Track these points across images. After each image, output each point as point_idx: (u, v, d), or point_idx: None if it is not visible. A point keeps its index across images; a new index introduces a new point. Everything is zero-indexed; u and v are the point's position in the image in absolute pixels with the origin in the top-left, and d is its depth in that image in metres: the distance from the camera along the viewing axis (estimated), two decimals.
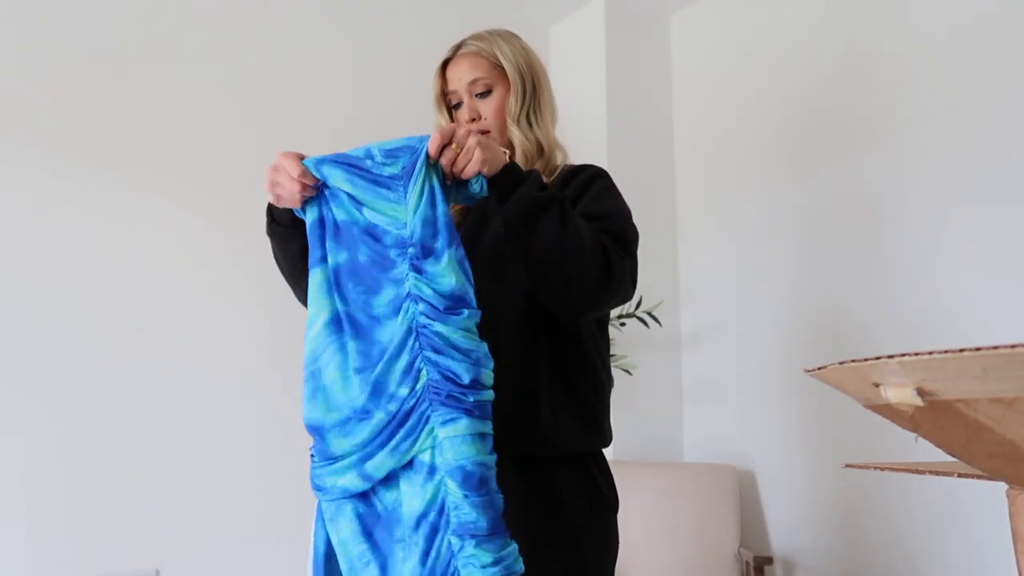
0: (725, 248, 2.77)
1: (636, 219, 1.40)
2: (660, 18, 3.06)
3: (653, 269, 2.78)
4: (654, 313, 2.53)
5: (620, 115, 2.90)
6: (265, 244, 2.29)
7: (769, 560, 2.27)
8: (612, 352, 2.63)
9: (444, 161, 1.10)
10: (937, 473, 0.86)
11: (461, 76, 1.35)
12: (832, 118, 2.44)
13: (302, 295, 1.26)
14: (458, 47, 1.38)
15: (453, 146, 1.10)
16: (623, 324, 2.59)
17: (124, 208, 2.24)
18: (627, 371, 2.55)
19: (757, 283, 2.65)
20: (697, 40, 2.97)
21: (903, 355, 0.56)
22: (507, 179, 1.13)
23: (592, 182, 1.32)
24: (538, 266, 1.15)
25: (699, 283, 2.87)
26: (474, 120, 1.34)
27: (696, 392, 2.85)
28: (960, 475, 0.83)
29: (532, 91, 1.35)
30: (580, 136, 2.79)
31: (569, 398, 1.23)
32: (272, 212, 1.23)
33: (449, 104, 1.38)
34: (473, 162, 1.09)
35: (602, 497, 1.25)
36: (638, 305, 2.51)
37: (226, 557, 2.28)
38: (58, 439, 2.09)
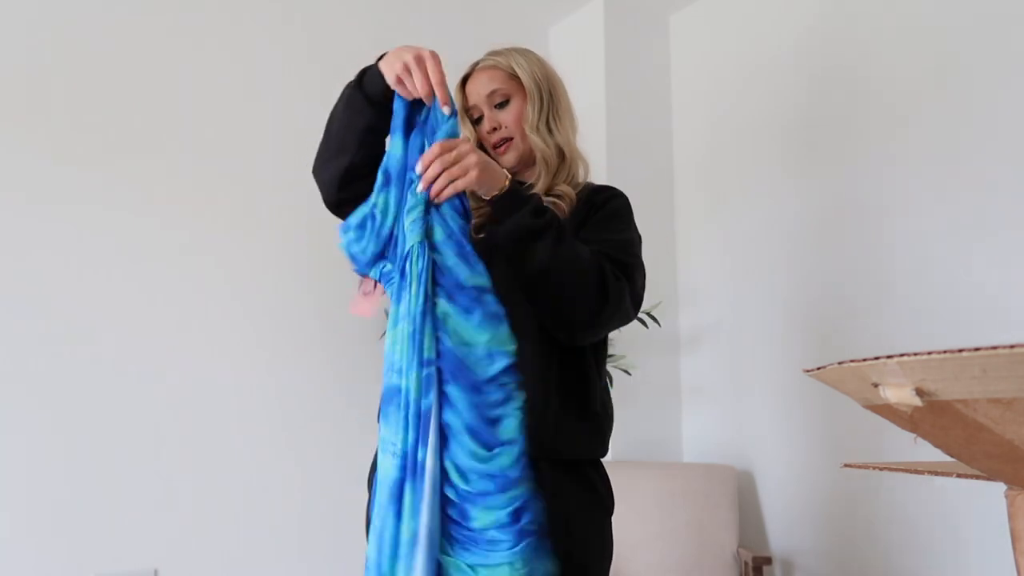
0: (724, 248, 2.77)
1: (635, 219, 1.41)
2: (659, 18, 3.06)
3: (652, 270, 2.75)
4: (653, 313, 2.53)
5: (619, 116, 2.90)
6: (268, 245, 2.29)
7: (768, 560, 2.27)
8: (611, 352, 2.63)
9: (432, 172, 1.12)
10: (936, 473, 0.86)
11: (480, 89, 1.39)
12: (831, 119, 2.44)
13: (331, 171, 1.26)
14: (476, 64, 1.42)
15: (453, 154, 1.12)
16: None
17: (127, 207, 2.24)
18: (626, 371, 2.55)
19: (756, 283, 2.65)
20: (696, 40, 2.97)
21: (902, 355, 0.56)
22: (504, 202, 1.16)
23: (607, 203, 1.36)
24: (530, 289, 1.19)
25: (698, 283, 2.87)
26: (495, 130, 1.37)
27: (695, 392, 2.85)
28: (959, 475, 0.83)
29: (549, 99, 1.39)
30: (579, 137, 2.80)
31: (579, 410, 1.27)
32: (365, 82, 1.22)
33: (472, 119, 1.41)
34: (464, 180, 1.12)
35: (599, 500, 1.29)
36: None
37: (225, 557, 2.27)
38: (55, 438, 2.09)
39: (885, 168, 2.27)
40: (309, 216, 2.51)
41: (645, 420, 2.81)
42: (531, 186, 1.33)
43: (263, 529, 2.34)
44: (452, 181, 1.12)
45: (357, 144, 1.21)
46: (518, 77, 1.38)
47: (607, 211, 1.35)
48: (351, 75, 2.91)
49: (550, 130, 1.37)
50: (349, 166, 1.22)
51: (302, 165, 2.55)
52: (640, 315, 2.52)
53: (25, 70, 2.14)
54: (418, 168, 1.13)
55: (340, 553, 2.45)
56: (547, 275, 1.16)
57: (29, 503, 2.04)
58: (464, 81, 1.42)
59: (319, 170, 1.29)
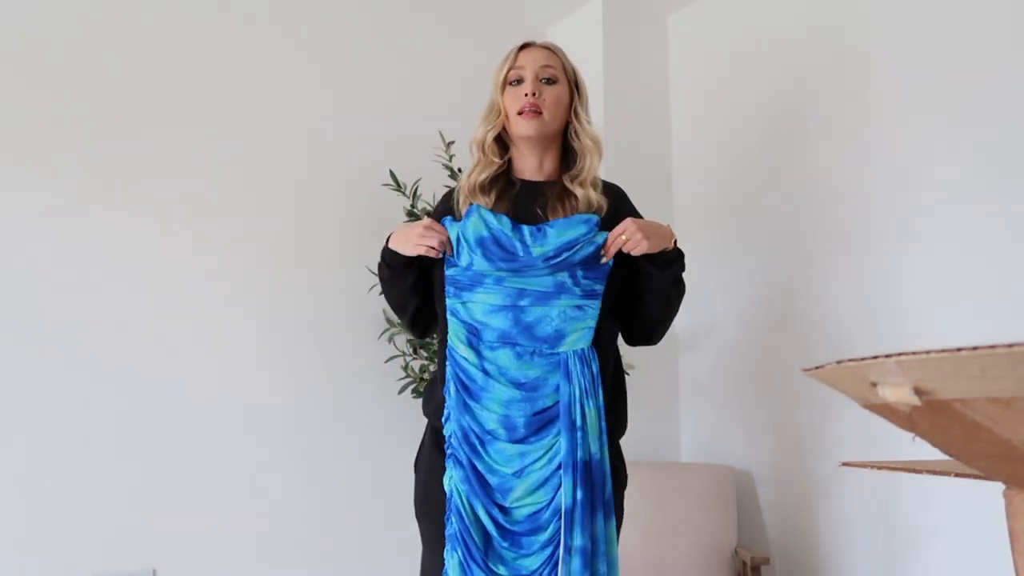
0: (722, 248, 2.77)
1: None
2: (658, 18, 3.06)
3: None
4: None
5: (618, 115, 2.90)
6: (263, 242, 2.30)
7: (766, 560, 2.27)
8: None
9: (613, 251, 1.50)
10: (934, 473, 0.86)
11: (537, 59, 1.55)
12: (828, 118, 2.44)
13: (408, 320, 1.64)
14: (532, 41, 1.61)
15: (623, 237, 1.48)
16: None
17: (126, 209, 2.23)
18: (624, 371, 2.54)
19: (754, 283, 2.65)
20: (694, 40, 2.97)
21: (900, 354, 0.56)
22: (673, 253, 1.55)
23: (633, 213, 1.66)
24: (666, 315, 1.63)
25: (695, 283, 2.86)
26: (535, 95, 1.52)
27: (693, 392, 2.85)
28: (957, 475, 0.83)
29: (587, 100, 1.63)
30: None
31: (616, 402, 1.58)
32: (389, 261, 1.57)
33: (511, 80, 1.56)
34: (639, 248, 1.48)
35: (616, 476, 1.51)
36: None
37: (223, 557, 2.27)
38: (54, 438, 2.08)
39: (881, 167, 2.27)
40: (309, 218, 2.51)
41: (643, 420, 2.80)
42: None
43: (261, 530, 2.34)
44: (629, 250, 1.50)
45: (412, 296, 1.59)
46: (567, 71, 1.58)
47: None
48: (352, 74, 2.91)
49: (589, 122, 1.60)
50: (416, 310, 1.62)
51: (303, 169, 2.57)
52: None
53: (23, 68, 2.14)
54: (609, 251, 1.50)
55: (339, 553, 2.45)
56: (676, 305, 1.63)
57: (28, 504, 2.04)
58: (521, 48, 1.58)
59: (404, 324, 1.70)
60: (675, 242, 1.55)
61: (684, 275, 1.62)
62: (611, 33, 2.92)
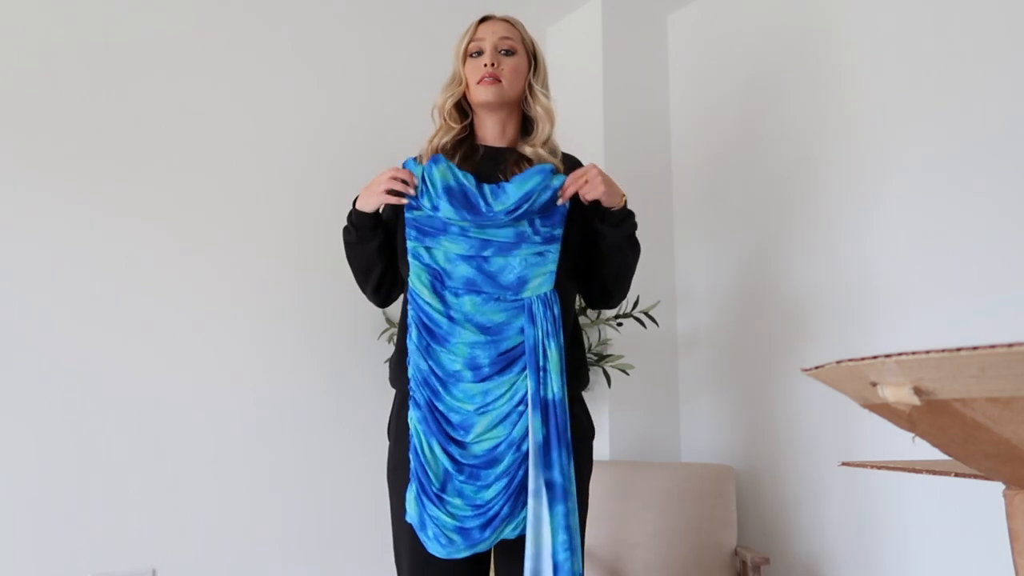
0: (722, 247, 2.77)
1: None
2: (657, 18, 3.06)
3: (650, 269, 2.78)
4: (651, 313, 2.53)
5: (617, 115, 2.90)
6: (262, 243, 2.30)
7: (766, 560, 2.27)
8: (609, 352, 2.63)
9: (571, 191, 1.54)
10: (934, 472, 0.86)
11: (496, 31, 1.62)
12: (828, 118, 2.44)
13: (372, 285, 1.66)
14: (491, 14, 1.66)
15: (584, 180, 1.53)
16: (620, 324, 2.58)
17: (110, 212, 2.23)
18: (624, 371, 2.54)
19: (754, 282, 2.65)
20: (694, 40, 2.97)
21: (900, 354, 0.56)
22: (623, 211, 1.59)
23: None
24: (622, 272, 1.64)
25: (695, 283, 2.87)
26: (494, 65, 1.59)
27: (693, 392, 2.85)
28: (957, 475, 0.83)
29: (544, 72, 1.67)
30: (577, 135, 2.80)
31: (574, 353, 1.60)
32: (355, 222, 1.60)
33: (470, 52, 1.63)
34: (594, 192, 1.53)
35: (581, 427, 1.59)
36: (635, 305, 2.50)
37: (223, 556, 2.27)
38: (53, 437, 2.08)
39: (880, 166, 2.27)
40: (308, 219, 2.51)
41: (643, 420, 2.81)
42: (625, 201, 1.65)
43: (262, 530, 2.34)
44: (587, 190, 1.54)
45: (377, 260, 1.62)
46: (525, 43, 1.64)
47: None
48: (344, 79, 2.92)
49: (546, 95, 1.64)
50: (380, 275, 1.64)
51: (303, 170, 2.56)
52: (638, 315, 2.52)
53: (17, 68, 2.14)
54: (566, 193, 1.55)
55: (340, 553, 2.45)
56: (634, 262, 1.65)
57: (28, 503, 2.03)
58: (481, 21, 1.64)
59: (366, 292, 1.70)
60: (625, 202, 1.60)
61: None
62: (610, 33, 2.92)
